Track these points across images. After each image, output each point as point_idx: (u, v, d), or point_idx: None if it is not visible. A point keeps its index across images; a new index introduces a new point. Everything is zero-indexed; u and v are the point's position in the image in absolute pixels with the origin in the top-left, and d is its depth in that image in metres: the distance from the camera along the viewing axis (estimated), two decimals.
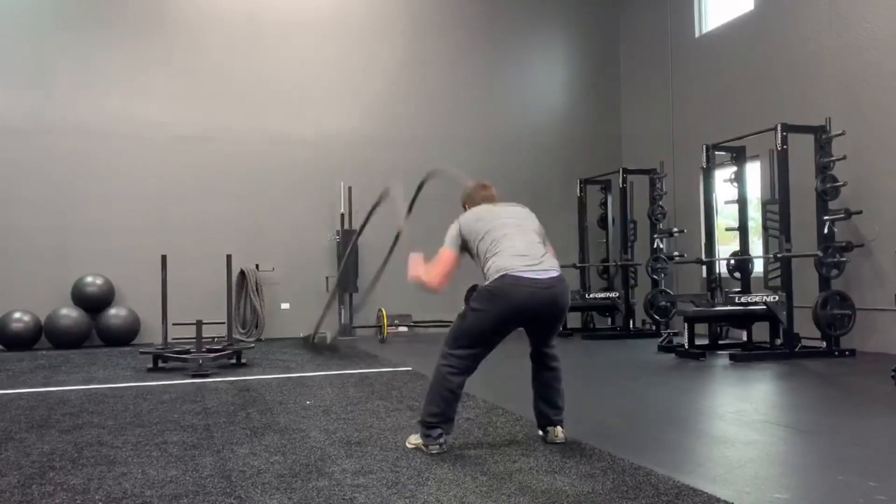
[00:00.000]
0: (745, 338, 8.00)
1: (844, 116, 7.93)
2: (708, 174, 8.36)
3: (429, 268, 3.68)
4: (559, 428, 3.68)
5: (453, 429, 3.62)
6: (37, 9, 10.06)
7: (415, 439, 3.60)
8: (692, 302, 8.21)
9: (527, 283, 3.42)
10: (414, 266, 3.70)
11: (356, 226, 10.69)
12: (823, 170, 7.54)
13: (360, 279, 10.59)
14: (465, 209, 3.92)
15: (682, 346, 7.63)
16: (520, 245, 3.53)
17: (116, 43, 10.33)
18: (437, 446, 3.48)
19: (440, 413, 3.48)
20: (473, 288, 3.80)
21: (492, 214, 3.68)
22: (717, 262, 8.45)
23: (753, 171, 9.05)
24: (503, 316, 3.44)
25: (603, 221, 11.31)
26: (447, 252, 3.65)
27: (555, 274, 3.52)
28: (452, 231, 3.68)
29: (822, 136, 7.57)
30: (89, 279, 9.76)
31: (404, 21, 11.61)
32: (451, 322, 3.51)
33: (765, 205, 7.93)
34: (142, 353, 7.55)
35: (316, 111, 11.05)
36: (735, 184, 8.50)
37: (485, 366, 3.59)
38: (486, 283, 3.49)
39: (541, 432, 3.76)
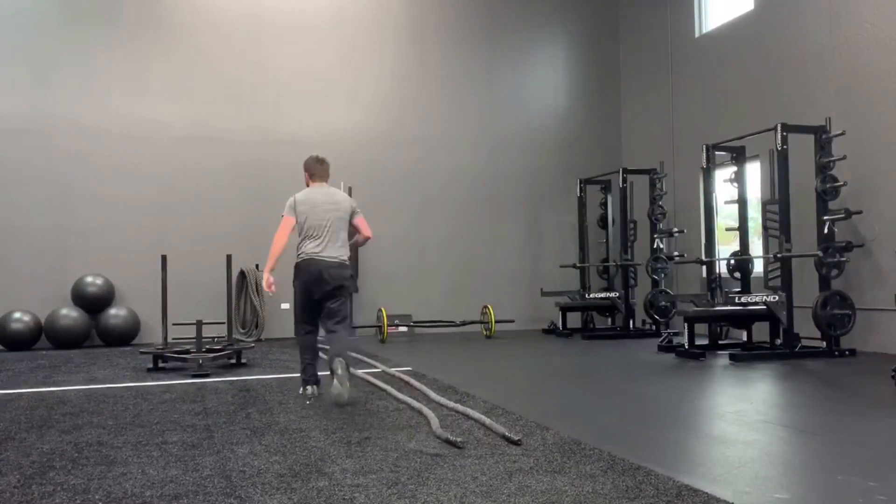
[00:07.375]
0: (745, 338, 8.00)
1: (844, 116, 7.93)
2: (708, 174, 8.37)
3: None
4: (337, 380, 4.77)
5: (320, 379, 5.22)
6: (37, 9, 10.06)
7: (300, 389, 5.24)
8: (692, 302, 8.21)
9: (315, 262, 5.20)
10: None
11: None
12: (823, 170, 7.54)
13: (359, 279, 10.57)
14: (305, 173, 5.46)
15: (682, 346, 7.63)
16: (322, 239, 5.23)
17: (117, 43, 10.34)
18: (309, 389, 5.16)
19: (308, 365, 5.23)
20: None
21: (315, 209, 5.22)
22: (717, 262, 8.45)
23: (753, 171, 9.06)
24: (305, 284, 5.24)
25: (603, 221, 11.31)
26: (284, 218, 5.29)
27: (334, 260, 5.21)
28: (289, 203, 5.28)
29: (822, 136, 7.57)
30: (89, 279, 9.76)
31: (404, 22, 11.61)
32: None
33: (765, 205, 7.93)
34: (142, 353, 7.56)
35: (316, 111, 11.04)
36: (735, 184, 8.50)
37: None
38: (296, 259, 5.29)
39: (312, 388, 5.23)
